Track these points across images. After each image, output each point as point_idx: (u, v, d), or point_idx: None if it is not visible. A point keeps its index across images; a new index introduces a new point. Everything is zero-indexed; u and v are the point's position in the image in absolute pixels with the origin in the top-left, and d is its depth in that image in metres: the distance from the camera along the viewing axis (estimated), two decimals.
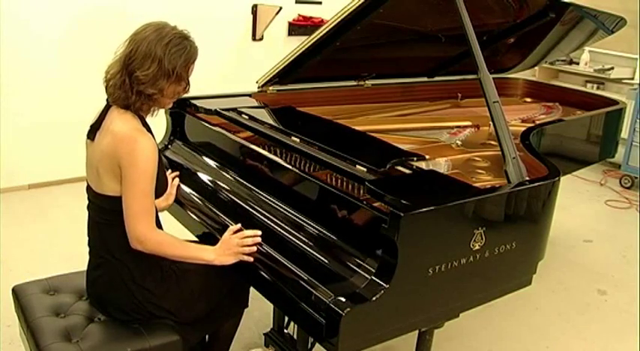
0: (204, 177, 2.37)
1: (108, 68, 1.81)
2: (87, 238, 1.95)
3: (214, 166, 2.38)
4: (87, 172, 1.89)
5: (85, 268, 2.10)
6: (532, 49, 3.40)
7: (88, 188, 1.89)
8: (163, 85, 1.76)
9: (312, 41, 2.49)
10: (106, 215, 1.83)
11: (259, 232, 1.89)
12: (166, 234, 1.84)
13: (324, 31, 2.45)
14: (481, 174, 2.19)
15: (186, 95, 2.58)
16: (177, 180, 2.28)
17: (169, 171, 2.32)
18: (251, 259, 1.84)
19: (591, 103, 3.37)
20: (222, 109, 2.42)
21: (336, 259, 1.76)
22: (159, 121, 2.66)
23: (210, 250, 1.85)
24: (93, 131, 1.84)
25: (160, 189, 1.84)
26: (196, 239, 2.18)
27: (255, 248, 1.86)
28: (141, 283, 1.83)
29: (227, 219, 2.09)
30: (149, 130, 1.83)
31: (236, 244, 1.85)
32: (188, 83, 1.84)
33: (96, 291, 1.92)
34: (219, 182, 2.31)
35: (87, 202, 1.91)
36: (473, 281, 1.81)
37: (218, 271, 1.87)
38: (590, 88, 5.36)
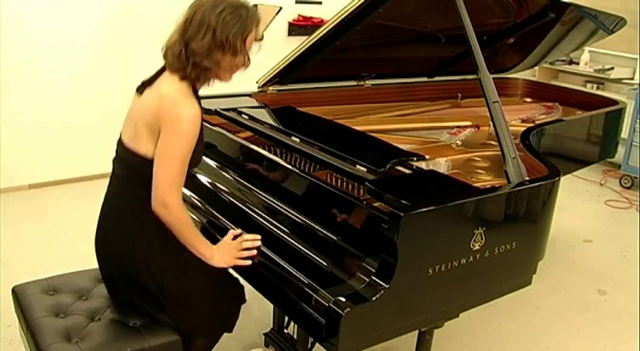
0: (204, 178, 2.37)
1: (169, 36, 1.75)
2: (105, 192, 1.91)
3: (214, 166, 2.38)
4: (124, 125, 1.84)
5: (84, 268, 2.11)
6: (532, 49, 3.40)
7: (119, 142, 1.84)
8: (219, 58, 1.70)
9: (312, 41, 2.50)
10: (130, 172, 1.80)
11: (259, 237, 1.88)
12: (187, 212, 1.81)
13: (324, 31, 2.45)
14: (481, 174, 2.19)
15: None
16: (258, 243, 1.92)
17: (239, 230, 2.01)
18: (248, 262, 1.83)
19: (591, 103, 3.37)
20: (222, 109, 2.42)
21: (336, 259, 1.76)
22: None
23: (210, 248, 1.84)
24: (143, 87, 1.79)
25: (194, 160, 1.78)
26: None
27: (254, 252, 1.85)
28: (146, 245, 1.79)
29: (227, 221, 2.09)
30: (198, 97, 1.77)
31: (234, 248, 1.84)
32: (248, 58, 1.77)
33: (104, 246, 1.89)
34: (218, 183, 2.31)
35: (114, 154, 1.86)
36: (473, 281, 1.81)
37: (217, 273, 1.86)
38: (590, 88, 5.36)
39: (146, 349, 1.78)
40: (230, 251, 1.84)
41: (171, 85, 1.72)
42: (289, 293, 1.72)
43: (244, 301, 2.00)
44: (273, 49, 4.92)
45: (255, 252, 1.85)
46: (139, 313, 1.87)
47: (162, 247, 1.80)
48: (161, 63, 1.80)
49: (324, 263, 1.77)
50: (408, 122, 2.78)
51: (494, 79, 2.12)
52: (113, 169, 1.87)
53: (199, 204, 2.24)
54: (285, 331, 2.37)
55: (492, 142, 2.46)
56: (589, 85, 5.47)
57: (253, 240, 1.87)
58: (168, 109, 1.67)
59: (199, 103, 1.75)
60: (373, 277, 1.61)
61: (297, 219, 1.94)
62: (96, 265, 1.99)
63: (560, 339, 2.85)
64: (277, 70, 2.69)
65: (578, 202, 4.62)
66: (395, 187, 1.77)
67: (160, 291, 1.81)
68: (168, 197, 1.70)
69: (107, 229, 1.88)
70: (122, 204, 1.83)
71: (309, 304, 1.63)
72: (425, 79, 3.35)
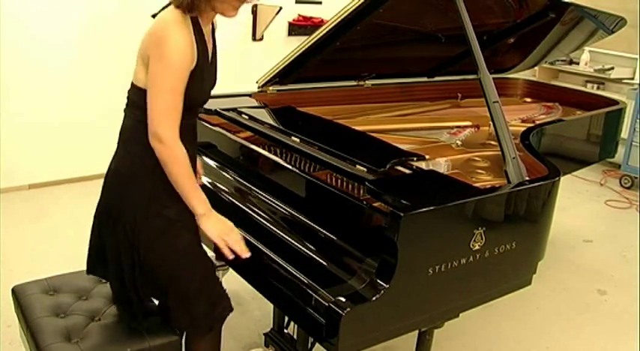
0: (204, 178, 2.37)
1: None
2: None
3: (214, 166, 2.38)
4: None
5: (84, 268, 2.10)
6: (532, 49, 3.40)
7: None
8: None
9: (313, 41, 2.50)
10: (127, 105, 1.76)
11: (248, 247, 1.79)
12: (186, 154, 1.67)
13: (324, 31, 2.45)
14: (481, 174, 2.19)
15: None
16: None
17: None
18: (231, 255, 1.74)
19: (591, 103, 3.37)
20: (222, 109, 2.42)
21: (336, 260, 1.76)
22: None
23: (207, 209, 1.73)
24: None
25: (193, 99, 1.69)
26: None
27: (245, 255, 1.75)
28: (141, 184, 1.71)
29: None
30: (198, 31, 1.67)
31: (228, 232, 1.75)
32: None
33: (105, 185, 1.82)
34: (218, 183, 2.31)
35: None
36: (473, 281, 1.81)
37: (200, 259, 1.79)
38: (590, 88, 5.36)
39: (146, 349, 1.78)
40: (224, 228, 1.75)
41: (165, 13, 1.64)
42: (289, 293, 1.72)
43: (229, 312, 1.85)
44: (273, 49, 4.96)
45: (247, 254, 1.76)
46: (114, 269, 1.79)
47: (147, 193, 1.72)
48: None
49: (324, 263, 1.77)
50: (408, 122, 2.78)
51: (494, 79, 2.12)
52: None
53: None
54: (285, 331, 2.37)
55: (492, 142, 2.46)
56: (589, 85, 5.47)
57: (245, 249, 1.76)
58: (155, 34, 1.61)
59: (198, 36, 1.66)
60: (373, 277, 1.61)
61: (297, 219, 1.94)
62: None
63: (560, 339, 2.85)
64: (277, 70, 2.68)
65: (578, 202, 4.62)
66: (395, 187, 1.77)
67: (136, 241, 1.72)
68: (161, 129, 1.61)
69: (110, 166, 1.82)
70: (121, 138, 1.79)
71: (309, 304, 1.63)
72: (425, 79, 3.35)
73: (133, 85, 1.74)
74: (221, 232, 1.75)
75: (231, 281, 2.76)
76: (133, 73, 1.75)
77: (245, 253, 1.76)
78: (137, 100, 1.70)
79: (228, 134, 2.36)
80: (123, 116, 1.80)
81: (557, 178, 1.96)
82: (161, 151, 1.64)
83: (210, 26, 1.79)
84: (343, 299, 1.55)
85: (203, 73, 1.70)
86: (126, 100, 1.79)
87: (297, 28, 5.08)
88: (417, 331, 1.90)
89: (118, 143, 1.81)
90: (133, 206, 1.72)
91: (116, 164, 1.79)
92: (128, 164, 1.75)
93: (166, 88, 1.61)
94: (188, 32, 1.62)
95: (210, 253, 2.00)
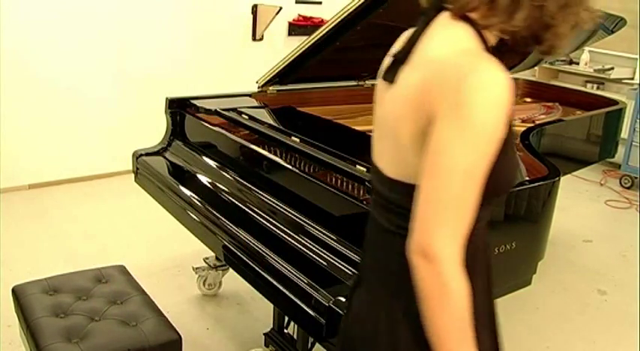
0: (204, 178, 2.37)
1: None
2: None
3: (214, 166, 2.38)
4: (375, 145, 1.19)
5: (84, 268, 2.11)
6: (532, 49, 3.40)
7: (375, 170, 1.17)
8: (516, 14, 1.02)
9: (312, 41, 2.50)
10: (393, 216, 1.09)
11: None
12: (466, 290, 0.97)
13: (324, 31, 2.45)
14: None
15: (185, 95, 2.61)
16: None
17: None
18: None
19: (591, 103, 3.37)
20: (222, 109, 2.42)
21: (336, 260, 1.76)
22: (159, 121, 2.68)
23: None
24: (395, 66, 1.07)
25: (498, 188, 1.04)
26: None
27: None
28: (397, 323, 1.09)
29: (227, 222, 2.09)
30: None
31: None
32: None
33: (345, 324, 1.25)
34: (218, 183, 2.31)
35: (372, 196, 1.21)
36: None
37: None
38: (590, 88, 5.36)
39: (146, 349, 1.78)
40: None
41: (446, 44, 1.00)
42: (289, 293, 1.71)
43: None
44: (273, 49, 4.96)
45: None
46: None
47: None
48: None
49: (324, 263, 1.77)
50: None
51: None
52: (369, 216, 1.21)
53: (199, 204, 2.24)
54: (285, 331, 2.37)
55: None
56: (589, 85, 5.47)
57: None
58: (446, 82, 0.95)
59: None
60: None
61: (296, 219, 1.94)
62: (95, 265, 1.99)
63: (560, 339, 2.85)
64: (277, 70, 2.68)
65: (578, 202, 4.62)
66: None
67: None
68: (434, 240, 0.94)
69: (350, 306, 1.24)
70: (374, 265, 1.19)
71: (309, 304, 1.63)
72: None
73: (391, 180, 1.09)
74: None
75: (231, 281, 2.77)
76: (386, 160, 1.13)
77: None
78: (403, 200, 1.04)
79: (228, 134, 2.36)
80: (373, 229, 1.18)
81: (557, 178, 1.96)
82: (423, 274, 0.96)
83: None
84: (343, 299, 1.55)
85: (510, 140, 1.03)
86: (375, 202, 1.17)
87: (297, 28, 5.08)
88: None
89: (365, 270, 1.21)
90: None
91: (359, 307, 1.18)
92: (386, 298, 1.12)
93: (460, 171, 0.93)
94: (497, 65, 0.96)
95: (211, 254, 1.94)
